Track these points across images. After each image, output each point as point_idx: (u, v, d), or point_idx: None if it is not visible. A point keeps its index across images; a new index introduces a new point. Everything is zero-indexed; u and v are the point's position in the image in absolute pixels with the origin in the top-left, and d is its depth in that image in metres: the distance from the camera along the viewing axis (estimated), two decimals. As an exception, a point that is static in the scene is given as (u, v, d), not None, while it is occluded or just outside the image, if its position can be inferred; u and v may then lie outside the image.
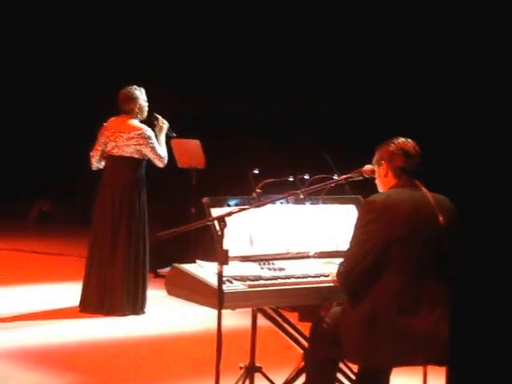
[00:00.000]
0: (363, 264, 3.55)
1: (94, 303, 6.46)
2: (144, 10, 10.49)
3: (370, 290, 3.56)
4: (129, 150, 6.51)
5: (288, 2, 9.43)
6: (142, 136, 6.48)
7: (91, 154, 6.62)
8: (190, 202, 7.77)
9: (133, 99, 6.55)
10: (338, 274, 3.66)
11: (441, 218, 3.59)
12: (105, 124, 6.61)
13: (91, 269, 6.55)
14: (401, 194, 3.63)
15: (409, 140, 3.74)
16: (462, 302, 2.29)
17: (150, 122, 6.69)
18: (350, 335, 3.58)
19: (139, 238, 6.54)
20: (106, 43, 10.70)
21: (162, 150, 6.59)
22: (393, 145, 3.72)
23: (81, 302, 6.52)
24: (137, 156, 6.54)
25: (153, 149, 6.51)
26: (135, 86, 6.61)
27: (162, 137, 6.64)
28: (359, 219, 3.65)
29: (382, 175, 3.76)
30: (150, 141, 6.50)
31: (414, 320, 3.50)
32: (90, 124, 7.09)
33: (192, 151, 7.91)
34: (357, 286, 3.60)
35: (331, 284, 3.82)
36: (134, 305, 6.48)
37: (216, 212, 3.85)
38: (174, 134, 6.83)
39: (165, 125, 6.68)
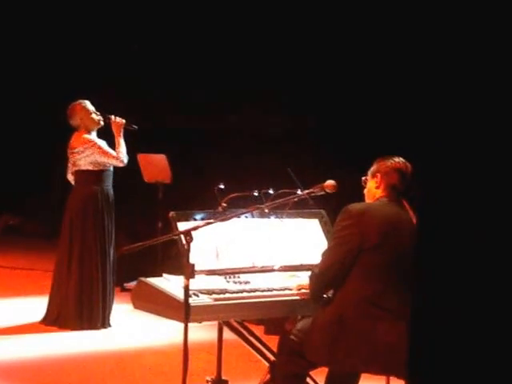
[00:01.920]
0: (338, 266, 3.63)
1: (52, 316, 6.50)
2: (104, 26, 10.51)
3: (338, 293, 3.64)
4: (83, 163, 6.55)
5: (264, 22, 9.48)
6: (88, 146, 6.52)
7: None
8: (157, 217, 7.80)
9: (72, 115, 6.62)
10: (313, 275, 3.73)
11: None
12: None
13: (53, 282, 6.58)
14: (383, 206, 3.73)
15: (406, 162, 3.81)
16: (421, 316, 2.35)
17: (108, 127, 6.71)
18: (316, 339, 3.64)
19: (94, 251, 6.49)
20: (64, 55, 10.68)
21: (121, 151, 6.58)
22: (392, 162, 3.80)
23: (44, 315, 6.54)
24: (93, 168, 6.55)
25: (103, 152, 6.52)
26: (79, 101, 6.64)
27: (120, 137, 6.62)
28: (336, 225, 3.73)
29: (372, 187, 3.83)
30: (97, 146, 6.53)
31: (379, 328, 3.56)
32: (59, 138, 7.10)
33: (158, 166, 7.94)
34: (328, 288, 3.68)
35: (296, 297, 3.88)
36: (91, 319, 6.46)
37: (182, 226, 3.89)
38: (135, 127, 6.78)
39: (121, 122, 6.66)
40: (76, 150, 6.55)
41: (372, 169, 3.86)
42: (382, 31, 7.95)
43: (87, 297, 6.47)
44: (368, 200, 3.87)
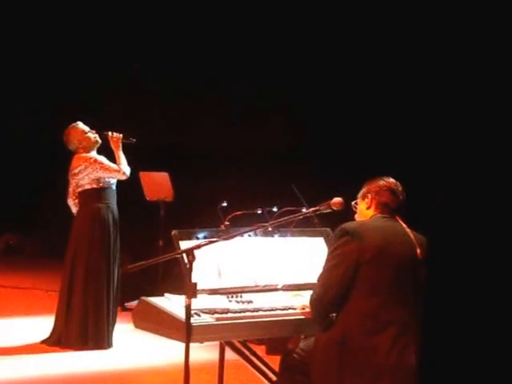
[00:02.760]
0: (336, 288, 3.58)
1: (54, 336, 6.44)
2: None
3: (341, 313, 3.59)
4: (86, 182, 6.51)
5: (267, 41, 9.49)
6: (88, 164, 6.49)
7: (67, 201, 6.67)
8: (158, 235, 7.76)
9: (69, 140, 6.62)
10: (312, 300, 3.68)
11: (418, 251, 3.65)
12: None
13: (58, 302, 6.52)
14: (377, 221, 3.72)
15: (394, 180, 3.83)
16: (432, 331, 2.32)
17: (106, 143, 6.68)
18: (320, 361, 3.58)
19: (100, 270, 6.43)
20: (64, 77, 10.69)
21: (122, 163, 6.55)
22: (382, 181, 3.81)
23: (49, 335, 6.48)
24: (97, 186, 6.51)
25: (104, 167, 6.49)
26: (72, 124, 6.63)
27: (119, 151, 6.60)
28: (331, 245, 3.69)
29: (364, 208, 3.83)
30: (98, 161, 6.50)
31: (381, 345, 3.51)
32: (58, 159, 7.08)
33: (160, 184, 7.92)
34: (329, 311, 3.63)
35: (299, 317, 3.82)
36: (98, 340, 6.40)
37: (184, 245, 3.84)
38: (133, 140, 6.76)
39: (118, 137, 6.64)
40: (77, 170, 6.51)
41: (362, 191, 3.86)
42: (382, 52, 7.94)
43: (93, 317, 6.40)
44: (360, 218, 3.85)
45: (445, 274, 4.82)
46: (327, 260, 3.66)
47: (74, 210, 6.63)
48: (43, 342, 6.47)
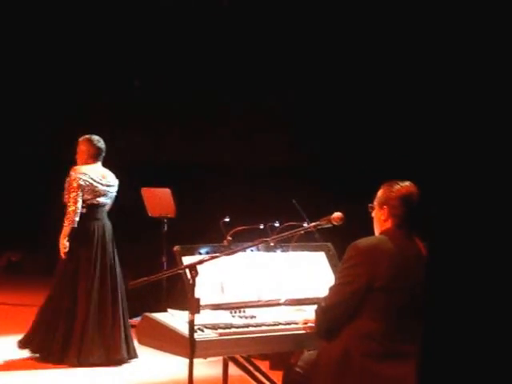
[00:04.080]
0: (343, 307, 3.58)
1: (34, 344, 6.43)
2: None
3: (346, 329, 3.57)
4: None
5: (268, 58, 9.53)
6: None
7: None
8: (161, 251, 7.77)
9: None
10: (318, 311, 3.68)
11: None
12: None
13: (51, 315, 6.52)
14: (390, 242, 3.62)
15: (412, 186, 3.71)
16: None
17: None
18: (323, 374, 3.58)
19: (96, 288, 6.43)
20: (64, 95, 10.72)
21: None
22: (397, 191, 3.70)
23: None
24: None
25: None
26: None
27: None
28: (344, 261, 3.65)
29: (381, 219, 3.74)
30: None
31: (384, 367, 3.49)
32: (59, 175, 7.09)
33: (162, 200, 7.93)
34: (333, 326, 3.61)
35: (302, 331, 3.83)
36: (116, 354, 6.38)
37: (187, 260, 3.85)
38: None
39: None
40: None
41: (379, 198, 3.76)
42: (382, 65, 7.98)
43: (107, 331, 6.39)
44: (376, 229, 3.79)
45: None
46: (339, 276, 3.64)
47: None
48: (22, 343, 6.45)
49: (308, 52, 9.00)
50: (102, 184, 6.44)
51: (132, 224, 8.12)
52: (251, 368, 4.14)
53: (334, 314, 3.61)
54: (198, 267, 3.57)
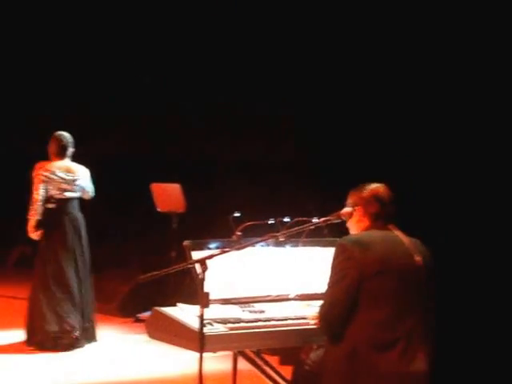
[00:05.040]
0: (342, 302, 3.58)
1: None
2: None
3: (349, 327, 3.57)
4: None
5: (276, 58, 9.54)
6: None
7: None
8: (170, 246, 7.79)
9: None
10: (319, 316, 3.69)
11: (417, 258, 3.64)
12: None
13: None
14: (373, 234, 3.70)
15: (381, 185, 3.80)
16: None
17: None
18: (331, 374, 3.59)
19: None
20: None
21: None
22: (366, 191, 3.78)
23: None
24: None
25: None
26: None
27: None
28: (333, 261, 3.68)
29: (355, 219, 3.81)
30: None
31: (390, 357, 3.50)
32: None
33: (172, 195, 7.94)
34: (336, 326, 3.61)
35: (311, 327, 3.84)
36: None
37: (197, 255, 3.86)
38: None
39: None
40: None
41: (350, 201, 3.83)
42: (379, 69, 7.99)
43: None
44: (354, 232, 3.83)
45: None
46: (330, 277, 3.66)
47: None
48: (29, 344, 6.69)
49: (311, 53, 9.03)
50: (66, 179, 6.75)
51: (142, 219, 8.13)
52: (261, 362, 4.15)
53: (333, 314, 3.60)
54: (208, 262, 3.58)
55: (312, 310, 3.94)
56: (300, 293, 4.19)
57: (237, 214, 4.28)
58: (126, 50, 10.39)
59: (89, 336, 6.81)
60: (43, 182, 6.67)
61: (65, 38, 10.53)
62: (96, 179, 7.07)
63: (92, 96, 10.65)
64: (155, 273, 3.69)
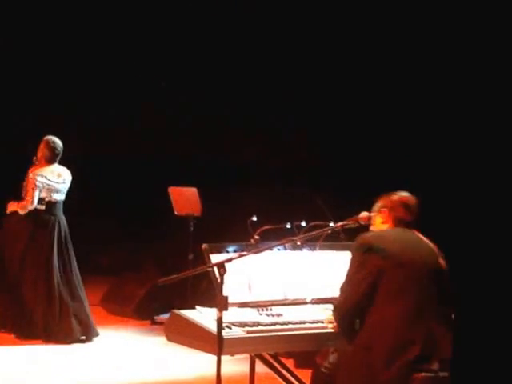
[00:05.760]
0: (355, 296, 3.60)
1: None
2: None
3: (367, 320, 3.58)
4: None
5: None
6: None
7: None
8: (188, 249, 7.82)
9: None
10: (334, 307, 3.72)
11: (441, 260, 3.68)
12: None
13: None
14: (395, 232, 3.75)
15: (410, 195, 3.86)
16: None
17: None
18: (346, 366, 3.62)
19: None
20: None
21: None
22: (396, 196, 3.84)
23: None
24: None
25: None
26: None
27: None
28: (352, 255, 3.71)
29: (379, 222, 3.84)
30: None
31: (405, 357, 3.50)
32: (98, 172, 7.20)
33: (189, 199, 7.98)
34: (351, 317, 3.64)
35: (328, 330, 3.86)
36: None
37: (215, 258, 3.90)
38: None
39: None
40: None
41: (377, 205, 3.87)
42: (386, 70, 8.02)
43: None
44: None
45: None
46: (348, 270, 3.69)
47: None
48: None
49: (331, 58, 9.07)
50: (57, 183, 7.12)
51: (159, 222, 8.17)
52: (278, 366, 4.17)
53: (349, 305, 3.63)
54: (226, 265, 3.62)
55: (329, 313, 3.97)
56: (317, 297, 4.21)
57: (254, 218, 4.32)
58: (142, 57, 10.46)
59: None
60: (37, 187, 7.02)
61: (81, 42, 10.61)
62: (113, 183, 7.15)
63: (108, 99, 10.73)
64: (174, 275, 3.73)
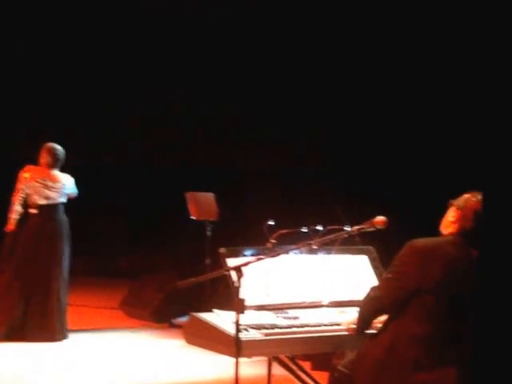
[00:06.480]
0: (388, 301, 3.64)
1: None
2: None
3: (394, 322, 3.62)
4: None
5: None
6: None
7: None
8: (205, 253, 7.89)
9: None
10: (366, 299, 3.75)
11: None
12: None
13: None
14: (448, 247, 3.66)
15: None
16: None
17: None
18: (365, 371, 3.66)
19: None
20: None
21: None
22: (476, 204, 3.69)
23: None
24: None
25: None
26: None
27: None
28: (398, 257, 3.69)
29: (450, 219, 3.78)
30: None
31: (426, 373, 3.51)
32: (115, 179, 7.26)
33: (206, 204, 8.05)
34: (377, 314, 3.70)
35: (345, 333, 3.91)
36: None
37: (232, 262, 3.95)
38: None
39: None
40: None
41: (460, 199, 3.78)
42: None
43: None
44: (442, 227, 3.82)
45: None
46: (390, 270, 3.71)
47: None
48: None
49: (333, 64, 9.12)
50: (48, 186, 7.19)
51: (176, 227, 8.22)
52: (295, 368, 4.22)
53: (380, 304, 3.68)
54: (243, 269, 3.67)
55: (345, 316, 4.02)
56: (333, 300, 4.26)
57: (271, 223, 4.37)
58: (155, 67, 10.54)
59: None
60: (21, 188, 7.14)
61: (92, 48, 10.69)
62: (131, 189, 7.21)
63: (122, 107, 10.81)
64: (193, 279, 3.79)
